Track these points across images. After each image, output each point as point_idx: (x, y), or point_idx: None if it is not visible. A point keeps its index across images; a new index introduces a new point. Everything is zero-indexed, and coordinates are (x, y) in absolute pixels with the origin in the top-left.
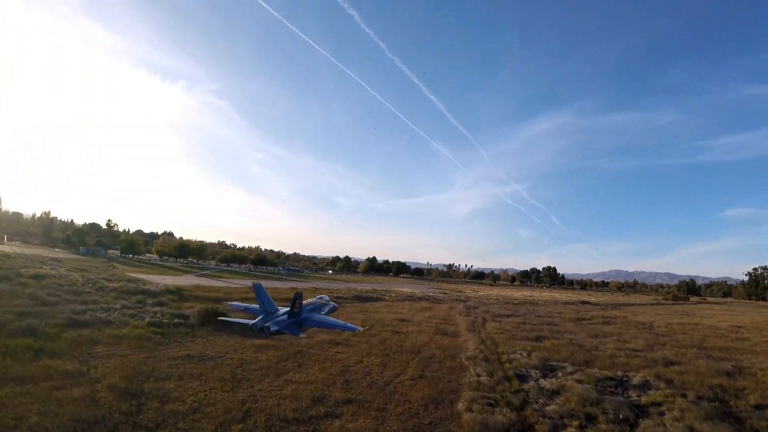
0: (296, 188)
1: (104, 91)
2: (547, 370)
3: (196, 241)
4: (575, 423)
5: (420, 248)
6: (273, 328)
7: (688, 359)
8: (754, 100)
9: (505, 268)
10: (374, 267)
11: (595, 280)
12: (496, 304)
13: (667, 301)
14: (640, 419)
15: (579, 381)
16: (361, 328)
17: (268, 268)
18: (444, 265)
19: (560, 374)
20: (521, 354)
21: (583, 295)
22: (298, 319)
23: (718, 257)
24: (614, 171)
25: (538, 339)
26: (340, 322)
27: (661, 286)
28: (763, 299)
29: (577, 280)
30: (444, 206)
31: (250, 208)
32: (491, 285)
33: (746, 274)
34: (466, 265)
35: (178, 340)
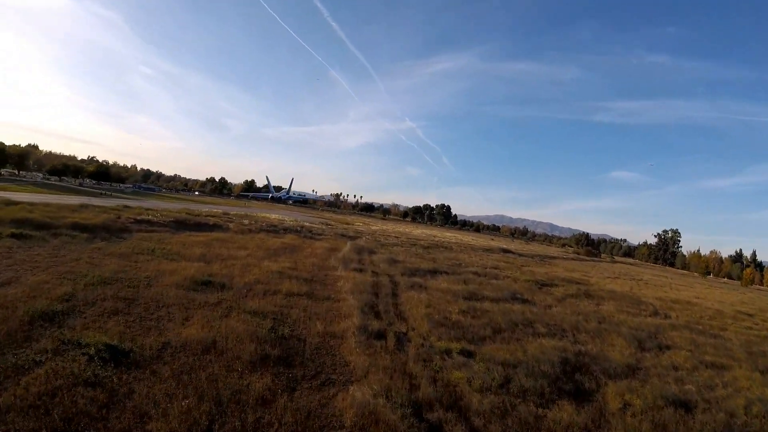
0: (185, 108)
1: None
2: None
3: (13, 145)
4: None
5: (307, 178)
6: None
7: None
8: (654, 69)
9: (395, 203)
10: (251, 190)
11: (476, 222)
12: (398, 245)
13: (584, 257)
14: None
15: None
16: None
17: (114, 184)
18: (331, 194)
19: None
20: None
21: (493, 240)
22: None
23: (598, 215)
24: (510, 119)
25: (580, 388)
26: None
27: (547, 236)
28: (672, 264)
29: (469, 222)
30: (335, 137)
31: (133, 126)
32: (383, 219)
33: (655, 236)
34: (355, 196)
35: None
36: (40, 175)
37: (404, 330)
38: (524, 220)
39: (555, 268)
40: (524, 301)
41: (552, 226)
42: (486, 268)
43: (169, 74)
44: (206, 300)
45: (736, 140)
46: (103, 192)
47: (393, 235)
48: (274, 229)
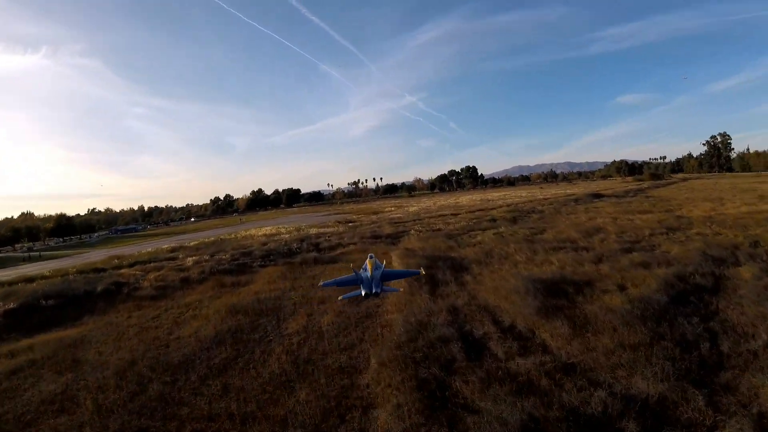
0: (185, 138)
1: None
2: None
3: None
4: None
5: (325, 175)
6: (379, 291)
7: None
8: None
9: (418, 177)
10: (258, 201)
11: (502, 177)
12: (475, 228)
13: (656, 182)
14: None
15: None
16: (422, 271)
17: (84, 236)
18: (349, 183)
19: None
20: None
21: (542, 188)
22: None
23: (612, 142)
24: (507, 70)
25: None
26: (403, 270)
27: (577, 174)
28: (729, 170)
29: (498, 179)
30: (342, 129)
31: (139, 168)
32: (410, 197)
33: (704, 144)
34: (374, 180)
35: None
36: None
37: None
38: (542, 165)
39: (685, 205)
40: None
41: (570, 164)
42: (655, 245)
43: (164, 110)
44: None
45: (732, 39)
46: (27, 255)
47: (446, 213)
48: (242, 264)
